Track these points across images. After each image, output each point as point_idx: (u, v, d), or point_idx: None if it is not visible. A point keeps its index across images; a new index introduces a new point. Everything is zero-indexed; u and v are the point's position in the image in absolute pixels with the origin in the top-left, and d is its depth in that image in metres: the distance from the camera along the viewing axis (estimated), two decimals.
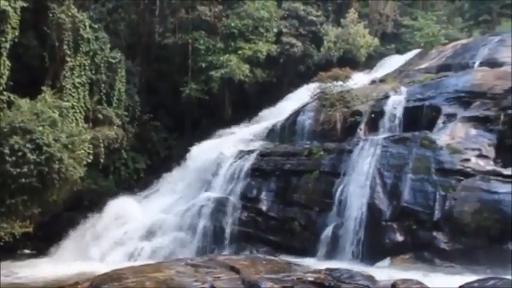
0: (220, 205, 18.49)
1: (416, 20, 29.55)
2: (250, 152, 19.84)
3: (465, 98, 17.57)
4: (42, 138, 17.28)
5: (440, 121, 17.23)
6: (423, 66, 22.32)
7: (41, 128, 17.43)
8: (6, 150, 16.81)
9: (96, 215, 20.03)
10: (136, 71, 25.09)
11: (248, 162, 19.31)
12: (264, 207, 18.20)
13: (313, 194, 17.37)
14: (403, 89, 19.38)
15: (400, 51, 27.72)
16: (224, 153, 20.23)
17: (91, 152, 19.90)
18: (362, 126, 18.65)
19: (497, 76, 18.13)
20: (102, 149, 21.28)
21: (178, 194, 20.60)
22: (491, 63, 19.82)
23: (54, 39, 20.63)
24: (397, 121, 18.18)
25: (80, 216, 20.40)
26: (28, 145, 17.06)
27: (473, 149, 15.71)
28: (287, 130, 20.63)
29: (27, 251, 19.64)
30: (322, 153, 18.00)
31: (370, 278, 9.47)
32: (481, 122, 16.53)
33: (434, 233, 14.66)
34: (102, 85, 22.15)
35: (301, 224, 17.26)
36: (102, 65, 22.06)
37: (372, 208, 15.71)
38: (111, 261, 17.23)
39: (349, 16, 27.42)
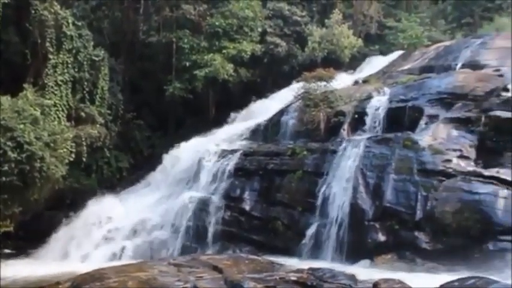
0: (203, 204, 18.46)
1: (400, 22, 29.79)
2: (233, 151, 19.83)
3: (447, 100, 17.75)
4: (23, 136, 17.08)
5: (422, 122, 17.38)
6: (406, 67, 22.49)
7: (22, 126, 17.23)
8: None
9: (79, 214, 19.86)
10: (120, 69, 24.91)
11: (231, 162, 19.29)
12: (247, 207, 18.20)
13: (297, 194, 17.41)
14: (386, 90, 19.51)
15: (383, 53, 27.92)
16: (207, 152, 20.20)
17: (73, 150, 19.73)
18: (345, 126, 18.75)
19: (479, 78, 18.37)
20: (85, 148, 21.11)
21: (161, 193, 20.51)
22: (473, 65, 20.06)
23: (36, 36, 20.39)
24: (380, 122, 18.31)
25: (62, 215, 20.24)
26: (9, 143, 16.84)
27: (454, 150, 15.87)
28: (271, 130, 20.67)
29: (7, 251, 19.37)
30: (305, 153, 18.06)
31: (352, 278, 9.54)
32: (462, 123, 16.70)
33: (416, 233, 14.79)
34: (85, 83, 21.95)
35: (284, 224, 17.29)
36: (85, 62, 21.86)
37: (355, 208, 15.80)
38: (93, 260, 17.11)
39: (334, 17, 27.56)
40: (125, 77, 25.43)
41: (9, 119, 17.17)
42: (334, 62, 25.43)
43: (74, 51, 21.35)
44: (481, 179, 14.58)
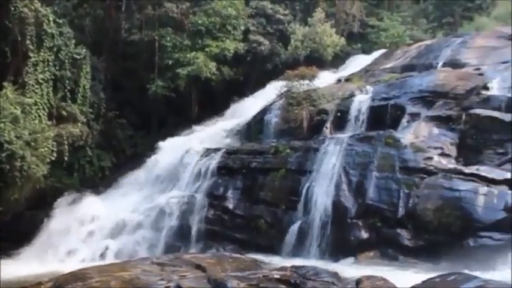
0: (186, 203, 18.41)
1: (382, 21, 30.00)
2: (216, 150, 19.80)
3: (429, 98, 17.94)
4: (3, 135, 16.86)
5: (404, 120, 17.54)
6: (388, 66, 22.67)
7: (1, 125, 17.00)
8: None
9: (61, 214, 19.67)
10: (102, 67, 24.68)
11: (214, 160, 19.26)
12: (230, 205, 18.20)
13: (280, 192, 17.46)
14: (369, 88, 19.66)
15: (366, 51, 28.09)
16: (190, 151, 20.15)
17: (55, 149, 19.52)
18: (328, 124, 18.85)
19: (459, 77, 18.59)
20: (66, 147, 20.88)
21: (144, 192, 20.39)
22: (454, 64, 20.30)
23: (16, 33, 20.08)
24: (362, 120, 18.44)
25: (43, 215, 20.00)
26: None
27: (436, 148, 16.06)
28: (254, 128, 20.68)
29: None
30: (288, 151, 18.11)
31: (335, 275, 9.61)
32: (443, 121, 16.90)
33: (398, 230, 14.94)
34: (67, 81, 21.70)
35: (267, 222, 17.32)
36: (66, 61, 21.60)
37: (338, 206, 15.90)
38: (75, 260, 16.97)
39: (316, 15, 27.65)
40: (107, 76, 25.20)
41: None
42: (317, 61, 25.53)
43: (55, 49, 21.10)
44: (461, 176, 14.76)
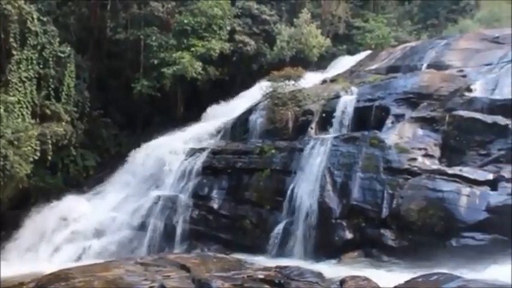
0: (171, 203, 18.36)
1: (368, 22, 30.17)
2: (201, 149, 19.77)
3: (413, 99, 18.06)
4: None
5: (389, 121, 17.63)
6: (373, 67, 22.78)
7: None
8: None
9: (44, 214, 19.51)
10: (87, 66, 24.51)
11: (199, 160, 19.24)
12: (215, 205, 18.18)
13: (265, 192, 17.48)
14: (354, 89, 19.72)
15: (351, 52, 28.23)
16: (175, 150, 20.10)
17: (38, 148, 19.37)
18: (313, 125, 18.89)
19: (443, 78, 18.75)
20: (50, 146, 20.74)
21: (128, 192, 20.29)
22: (438, 65, 20.45)
23: None
24: (347, 121, 18.50)
25: (26, 215, 19.81)
26: None
27: (419, 149, 16.16)
28: (239, 128, 20.66)
29: None
30: (273, 151, 18.14)
31: (320, 275, 9.66)
32: (427, 122, 17.02)
33: (382, 230, 15.00)
34: (51, 80, 21.55)
35: (252, 222, 17.33)
36: (50, 59, 21.45)
37: (322, 206, 15.94)
38: (59, 261, 16.83)
39: (302, 16, 27.71)
40: (92, 74, 25.04)
41: None
42: (302, 61, 25.60)
43: (38, 47, 20.93)
44: (444, 177, 14.84)
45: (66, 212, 19.54)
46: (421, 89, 18.30)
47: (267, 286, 8.81)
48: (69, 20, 24.96)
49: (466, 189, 14.36)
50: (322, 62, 27.22)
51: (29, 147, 18.58)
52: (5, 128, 17.52)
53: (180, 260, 10.24)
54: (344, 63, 25.63)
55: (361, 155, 16.25)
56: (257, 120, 20.19)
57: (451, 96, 17.68)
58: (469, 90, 17.84)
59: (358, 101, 18.91)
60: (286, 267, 9.82)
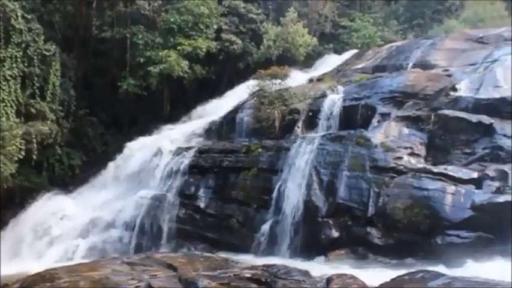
0: (157, 202, 18.30)
1: (354, 22, 30.30)
2: (188, 148, 19.72)
3: (399, 98, 18.16)
4: None
5: (375, 120, 17.72)
6: (360, 66, 22.87)
7: None
8: None
9: (29, 213, 19.34)
10: (72, 64, 24.34)
11: (186, 159, 19.18)
12: (201, 204, 18.15)
13: (251, 191, 17.48)
14: (340, 88, 19.80)
15: (337, 51, 28.35)
16: (162, 149, 20.03)
17: (23, 147, 19.21)
18: (300, 124, 18.93)
19: (429, 78, 18.88)
20: (35, 145, 20.57)
21: (114, 191, 20.19)
22: (424, 65, 20.58)
23: None
24: (333, 119, 18.56)
25: (11, 214, 19.64)
26: None
27: (405, 148, 16.26)
28: (226, 127, 20.64)
29: None
30: (260, 150, 18.15)
31: (306, 273, 9.65)
32: (413, 121, 17.12)
33: (368, 229, 15.08)
34: (35, 78, 21.35)
35: (239, 221, 17.34)
36: (35, 57, 21.24)
37: (309, 205, 15.99)
38: (44, 261, 16.69)
39: (289, 15, 27.77)
40: (78, 73, 24.88)
41: None
42: (289, 60, 25.68)
43: (23, 45, 20.72)
44: (430, 175, 14.96)
45: (52, 212, 19.37)
46: (406, 88, 18.40)
47: (254, 285, 8.78)
48: (54, 18, 24.78)
49: (451, 188, 14.48)
50: (309, 61, 27.27)
51: (14, 147, 18.42)
52: None
53: (167, 259, 10.17)
54: (330, 62, 25.70)
55: (348, 153, 16.32)
56: (244, 119, 20.18)
57: (436, 95, 17.81)
58: (454, 89, 17.97)
59: (344, 100, 18.98)
60: (273, 265, 9.80)
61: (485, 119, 16.02)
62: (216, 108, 22.19)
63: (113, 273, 8.85)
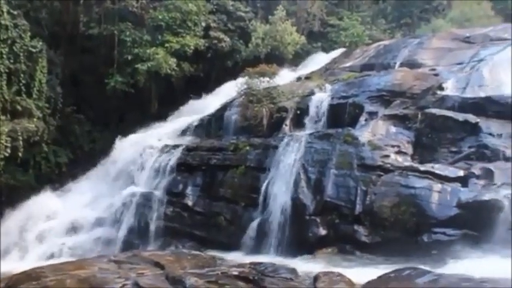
0: (145, 200, 18.26)
1: (342, 20, 30.37)
2: (176, 146, 19.68)
3: (386, 97, 18.25)
4: None
5: (362, 118, 17.79)
6: (348, 65, 22.95)
7: None
8: None
9: (15, 212, 19.20)
10: (59, 61, 24.15)
11: (174, 157, 19.15)
12: (189, 202, 18.13)
13: (239, 189, 17.49)
14: (328, 87, 19.85)
15: (326, 50, 28.38)
16: (149, 147, 19.97)
17: (9, 145, 19.07)
18: (287, 122, 18.96)
19: (416, 77, 18.99)
20: (21, 142, 20.40)
21: (102, 189, 20.10)
22: (411, 64, 20.70)
23: None
24: (321, 118, 18.63)
25: None
26: None
27: (392, 146, 16.34)
28: (214, 125, 20.62)
29: None
30: (248, 148, 18.15)
31: (294, 271, 9.69)
32: (400, 120, 17.20)
33: (356, 227, 15.12)
34: (22, 75, 21.14)
35: (226, 219, 17.34)
36: (21, 54, 21.04)
37: (296, 203, 16.01)
38: (30, 259, 16.59)
39: (277, 13, 27.78)
40: (65, 70, 24.68)
41: None
42: (277, 58, 25.69)
43: (9, 41, 20.50)
44: (417, 173, 15.03)
45: (38, 210, 19.25)
46: (394, 87, 18.50)
47: (241, 283, 8.80)
48: (40, 14, 24.57)
49: (437, 186, 14.57)
50: (297, 59, 27.31)
51: None
52: None
53: (154, 257, 10.16)
54: (319, 60, 25.74)
55: (335, 152, 16.36)
56: (232, 117, 20.17)
57: (423, 94, 17.92)
58: (441, 88, 18.11)
59: (332, 98, 19.04)
60: (260, 263, 9.83)
61: (471, 117, 16.15)
62: (204, 106, 22.15)
63: (100, 272, 8.83)
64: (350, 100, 18.66)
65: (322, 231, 15.52)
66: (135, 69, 24.52)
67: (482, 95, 17.23)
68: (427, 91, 18.01)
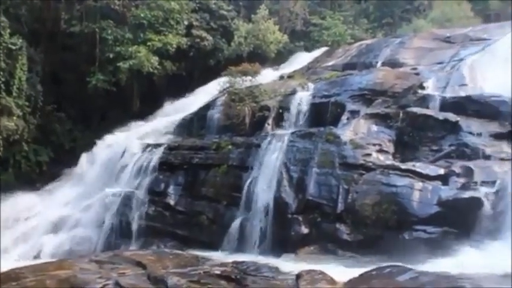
0: (126, 199, 18.12)
1: (325, 19, 30.51)
2: (157, 145, 19.58)
3: (368, 96, 18.36)
4: None
5: (344, 117, 17.88)
6: (330, 64, 23.06)
7: None
8: None
9: None
10: (40, 59, 23.88)
11: (156, 156, 19.05)
12: (171, 202, 18.04)
13: (221, 188, 17.45)
14: (310, 86, 19.92)
15: (308, 49, 28.47)
16: (131, 146, 19.84)
17: None
18: (270, 121, 18.97)
19: (397, 76, 19.14)
20: (1, 141, 20.21)
21: (83, 188, 19.93)
22: (392, 63, 20.87)
23: None
24: (303, 116, 18.68)
25: None
26: None
27: (374, 145, 16.41)
28: (196, 124, 20.57)
29: None
30: (230, 147, 18.12)
31: (276, 270, 9.74)
32: (381, 118, 17.30)
33: (338, 225, 15.17)
34: (1, 73, 20.90)
35: (209, 218, 17.29)
36: (0, 51, 20.81)
37: (279, 201, 16.03)
38: (10, 259, 16.35)
39: (260, 12, 27.80)
40: (45, 68, 24.41)
41: None
42: (260, 57, 25.70)
43: None
44: (398, 172, 15.10)
45: (18, 210, 19.02)
46: (375, 86, 18.62)
47: (224, 282, 8.81)
48: (20, 11, 24.25)
49: (418, 184, 14.67)
50: (280, 58, 27.36)
51: None
52: None
53: (136, 257, 10.13)
54: (301, 59, 25.82)
55: (317, 150, 16.40)
56: (214, 115, 20.14)
57: (404, 93, 18.06)
58: (422, 87, 18.30)
59: (314, 97, 19.11)
60: (242, 262, 9.86)
61: (452, 116, 16.31)
62: (186, 105, 22.08)
63: (81, 272, 8.78)
64: (332, 99, 18.75)
65: (305, 230, 15.55)
66: (117, 68, 24.35)
67: (462, 94, 17.45)
68: (408, 90, 18.16)
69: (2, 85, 20.95)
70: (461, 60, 19.44)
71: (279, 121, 18.99)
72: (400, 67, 20.35)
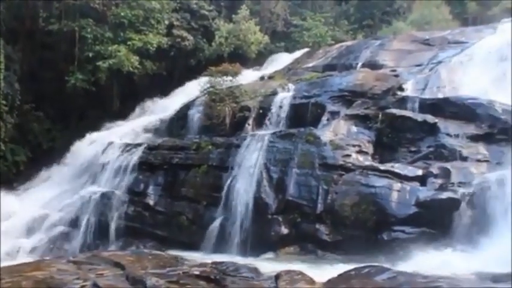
0: (105, 199, 17.97)
1: (305, 21, 30.64)
2: (137, 145, 19.46)
3: (348, 97, 18.48)
4: None
5: (324, 118, 17.98)
6: (310, 65, 23.17)
7: None
8: None
9: None
10: (18, 57, 23.56)
11: (135, 156, 18.92)
12: (151, 202, 17.94)
13: (201, 188, 17.40)
14: (291, 86, 19.99)
15: (289, 50, 28.58)
16: (111, 146, 19.69)
17: None
18: (250, 121, 19.01)
19: (377, 77, 19.31)
20: None
21: (61, 188, 19.74)
22: (372, 65, 21.05)
23: None
24: (283, 117, 18.73)
25: None
26: None
27: (353, 145, 16.53)
28: (176, 124, 20.50)
29: None
30: (210, 147, 18.08)
31: (255, 270, 9.71)
32: (361, 120, 17.43)
33: (317, 225, 15.24)
34: None
35: (188, 218, 17.23)
36: None
37: (258, 202, 16.04)
38: None
39: (241, 13, 27.84)
40: (23, 66, 24.10)
41: None
42: (240, 58, 25.72)
43: None
44: (377, 173, 15.24)
45: None
46: (355, 87, 18.76)
47: (203, 282, 8.76)
48: None
49: (397, 185, 14.83)
50: (260, 59, 27.41)
51: None
52: None
53: (115, 257, 10.01)
54: (282, 60, 25.91)
55: (297, 151, 16.45)
56: (194, 115, 20.10)
57: (384, 94, 18.23)
58: (401, 89, 18.50)
59: (294, 97, 19.19)
60: (221, 263, 9.82)
61: (430, 118, 16.50)
62: (166, 105, 22.01)
63: (58, 273, 8.64)
64: (312, 100, 18.83)
65: (285, 230, 15.59)
66: (97, 67, 24.16)
67: (441, 96, 17.68)
68: (387, 92, 18.35)
69: None
70: (439, 62, 19.68)
71: (259, 121, 19.03)
72: (380, 69, 20.54)
